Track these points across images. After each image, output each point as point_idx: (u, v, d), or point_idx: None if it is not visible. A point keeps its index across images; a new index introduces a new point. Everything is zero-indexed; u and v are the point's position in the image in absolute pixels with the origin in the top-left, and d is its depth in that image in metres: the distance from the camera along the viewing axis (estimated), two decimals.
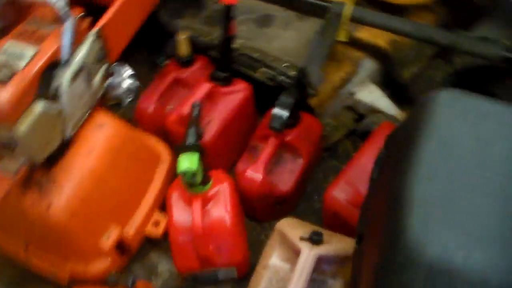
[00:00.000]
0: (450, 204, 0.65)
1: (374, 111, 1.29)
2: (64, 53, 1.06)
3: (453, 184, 0.67)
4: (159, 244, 1.26)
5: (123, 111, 1.50)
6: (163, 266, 1.25)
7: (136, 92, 1.53)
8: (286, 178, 1.21)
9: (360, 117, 1.33)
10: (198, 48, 1.37)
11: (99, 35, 1.13)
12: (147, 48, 1.56)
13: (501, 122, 0.73)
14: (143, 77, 1.54)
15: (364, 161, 1.12)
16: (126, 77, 1.54)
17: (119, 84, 1.52)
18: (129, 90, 1.53)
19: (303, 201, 1.31)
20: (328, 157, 1.36)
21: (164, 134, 1.31)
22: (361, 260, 0.77)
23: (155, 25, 1.41)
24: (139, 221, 1.20)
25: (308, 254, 1.00)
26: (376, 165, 0.88)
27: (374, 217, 0.77)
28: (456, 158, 0.69)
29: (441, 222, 0.64)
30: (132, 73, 1.54)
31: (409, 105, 1.34)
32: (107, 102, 1.38)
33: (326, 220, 1.18)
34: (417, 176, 0.68)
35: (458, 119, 0.73)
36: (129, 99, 1.53)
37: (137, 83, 1.54)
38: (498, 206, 0.66)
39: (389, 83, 1.37)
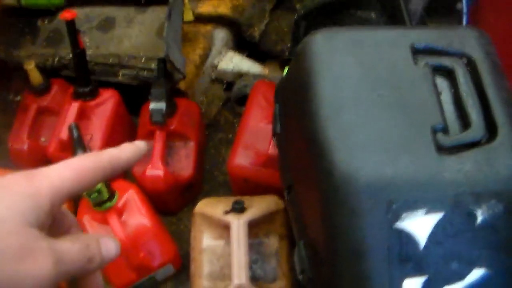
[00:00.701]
0: (363, 128, 0.72)
1: (241, 75, 1.34)
2: None
3: (358, 110, 0.73)
4: None
5: None
6: None
7: None
8: (185, 164, 1.23)
9: (228, 85, 1.37)
10: (49, 72, 1.33)
11: None
12: None
13: (375, 45, 0.80)
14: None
15: (253, 123, 1.17)
16: None
17: None
18: None
19: (205, 180, 1.33)
20: (213, 132, 1.39)
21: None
22: (299, 206, 0.82)
23: None
24: None
25: (238, 224, 1.03)
26: (275, 120, 0.92)
27: (298, 165, 0.81)
28: (351, 88, 0.75)
29: (363, 146, 0.70)
30: None
31: (267, 59, 1.41)
32: None
33: (236, 188, 1.22)
34: (324, 115, 0.73)
35: (339, 53, 0.79)
36: None
37: None
38: (401, 116, 0.73)
39: (243, 45, 1.42)
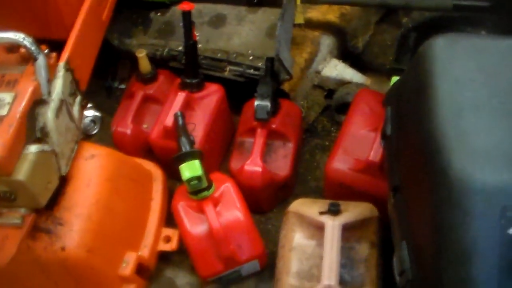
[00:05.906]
0: (483, 132, 0.71)
1: (343, 83, 1.35)
2: (43, 90, 1.04)
3: (478, 114, 0.72)
4: (170, 259, 1.26)
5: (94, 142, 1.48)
6: (181, 280, 1.24)
7: (100, 122, 1.52)
8: (282, 163, 1.25)
9: (329, 92, 1.38)
10: (157, 63, 1.38)
11: (67, 68, 1.12)
12: (99, 77, 1.55)
13: (498, 53, 0.79)
14: (103, 105, 1.53)
15: (355, 129, 1.17)
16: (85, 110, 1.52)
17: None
18: (92, 122, 1.51)
19: (297, 184, 1.34)
20: (310, 137, 1.40)
21: (146, 153, 1.32)
22: (405, 206, 0.81)
23: (105, 50, 1.40)
24: (151, 240, 1.19)
25: (333, 225, 1.03)
26: (386, 123, 0.92)
27: (410, 165, 0.81)
28: (472, 92, 0.75)
29: (481, 149, 0.69)
30: (90, 105, 1.52)
31: (368, 71, 1.42)
32: None
33: (329, 193, 1.22)
34: (443, 115, 0.73)
35: (461, 58, 0.79)
36: (95, 131, 1.52)
37: (98, 113, 1.52)
38: None
39: (346, 54, 1.43)
